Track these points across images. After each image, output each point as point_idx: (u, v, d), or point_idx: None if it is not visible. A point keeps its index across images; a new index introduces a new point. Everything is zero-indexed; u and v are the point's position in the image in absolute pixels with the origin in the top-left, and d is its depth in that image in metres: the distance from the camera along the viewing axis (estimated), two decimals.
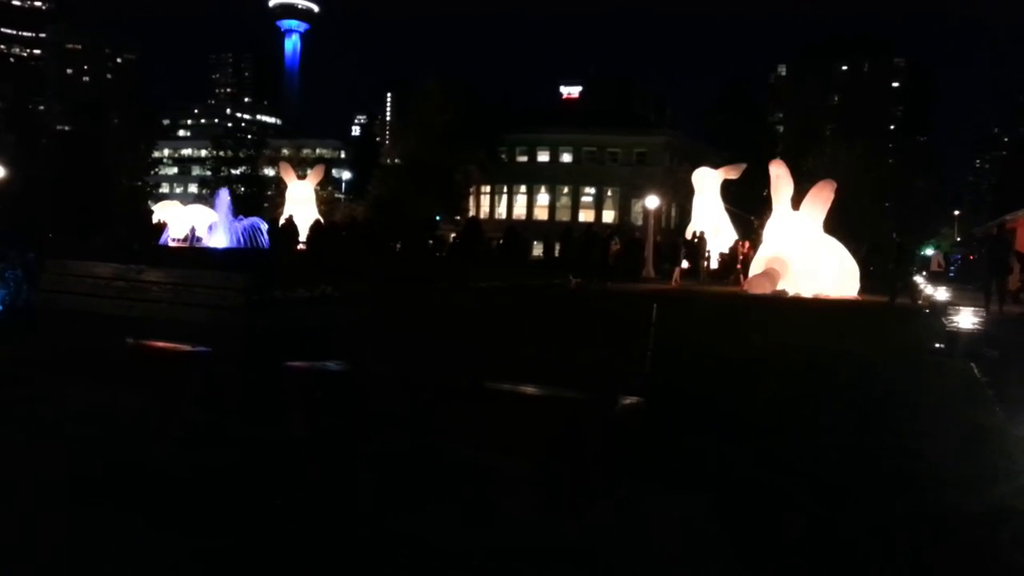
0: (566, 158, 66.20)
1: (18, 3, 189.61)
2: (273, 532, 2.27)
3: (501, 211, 65.36)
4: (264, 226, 35.20)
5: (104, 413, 5.26)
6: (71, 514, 3.56)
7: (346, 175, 78.58)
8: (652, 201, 34.55)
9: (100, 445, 4.64)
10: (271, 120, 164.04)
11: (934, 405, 6.95)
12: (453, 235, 45.20)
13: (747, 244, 27.13)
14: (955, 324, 9.82)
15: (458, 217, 56.49)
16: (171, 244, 34.38)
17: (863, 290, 21.59)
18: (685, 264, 26.57)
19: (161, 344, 5.64)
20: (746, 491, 4.31)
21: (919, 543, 3.78)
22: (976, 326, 9.72)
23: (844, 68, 78.05)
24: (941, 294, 15.29)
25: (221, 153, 76.52)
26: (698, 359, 8.39)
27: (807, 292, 21.26)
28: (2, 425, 4.99)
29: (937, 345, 10.19)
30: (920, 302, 19.67)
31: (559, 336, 4.60)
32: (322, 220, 40.49)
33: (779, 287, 21.66)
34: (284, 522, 2.28)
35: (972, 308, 10.69)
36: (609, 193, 64.92)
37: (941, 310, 11.96)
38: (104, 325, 5.92)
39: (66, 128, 65.69)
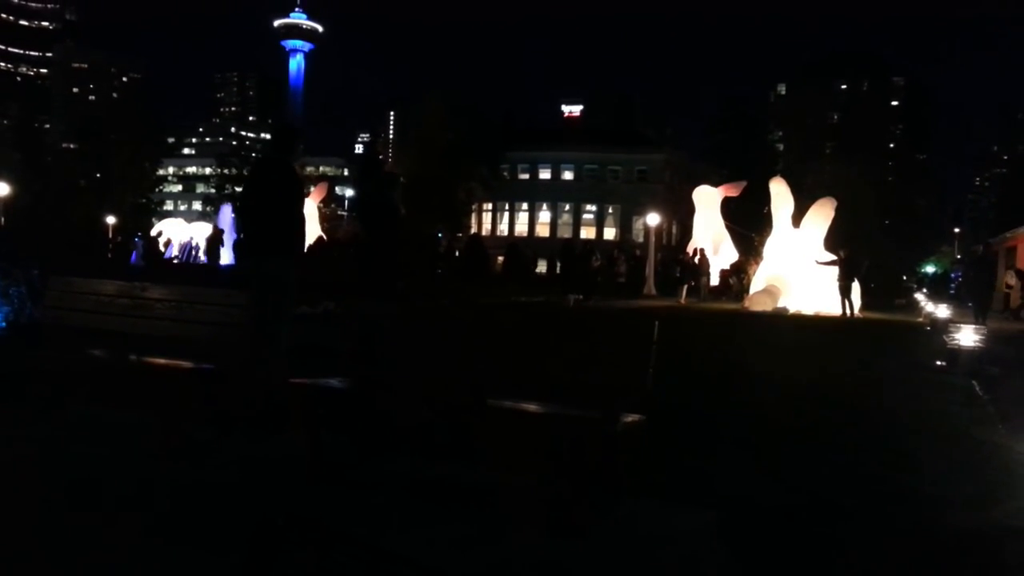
0: (567, 175, 66.49)
1: (25, 23, 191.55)
2: (276, 551, 2.29)
3: (503, 228, 65.55)
4: None
5: (107, 430, 5.27)
6: (73, 530, 3.57)
7: (349, 192, 78.92)
8: (653, 218, 34.65)
9: (102, 462, 4.64)
10: None
11: (936, 422, 6.94)
12: (456, 252, 45.23)
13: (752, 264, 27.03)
14: (956, 341, 9.83)
15: (460, 234, 56.63)
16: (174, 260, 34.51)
17: (864, 307, 21.58)
18: (693, 281, 26.50)
19: (164, 361, 5.66)
20: (748, 509, 4.30)
21: (921, 562, 3.78)
22: (977, 343, 9.72)
23: (843, 87, 78.43)
24: (941, 311, 15.29)
25: (225, 171, 76.92)
26: (699, 377, 8.39)
27: (808, 309, 21.26)
28: (4, 442, 5.00)
29: (938, 362, 10.19)
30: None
31: (561, 353, 4.61)
32: (325, 237, 40.55)
33: (780, 304, 21.66)
34: (287, 541, 2.29)
35: (973, 325, 10.69)
36: (610, 210, 65.13)
37: (942, 327, 11.96)
38: (108, 342, 5.94)
39: (71, 146, 66.11)
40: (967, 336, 9.79)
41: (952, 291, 26.29)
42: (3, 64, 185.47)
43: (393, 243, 5.59)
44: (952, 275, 36.22)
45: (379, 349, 4.74)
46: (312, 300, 12.75)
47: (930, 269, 63.37)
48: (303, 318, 11.92)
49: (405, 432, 4.68)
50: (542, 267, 48.78)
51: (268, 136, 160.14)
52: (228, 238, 35.15)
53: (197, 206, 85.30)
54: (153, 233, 37.87)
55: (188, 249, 36.48)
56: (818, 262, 20.86)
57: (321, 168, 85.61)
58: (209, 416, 5.23)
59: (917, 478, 5.10)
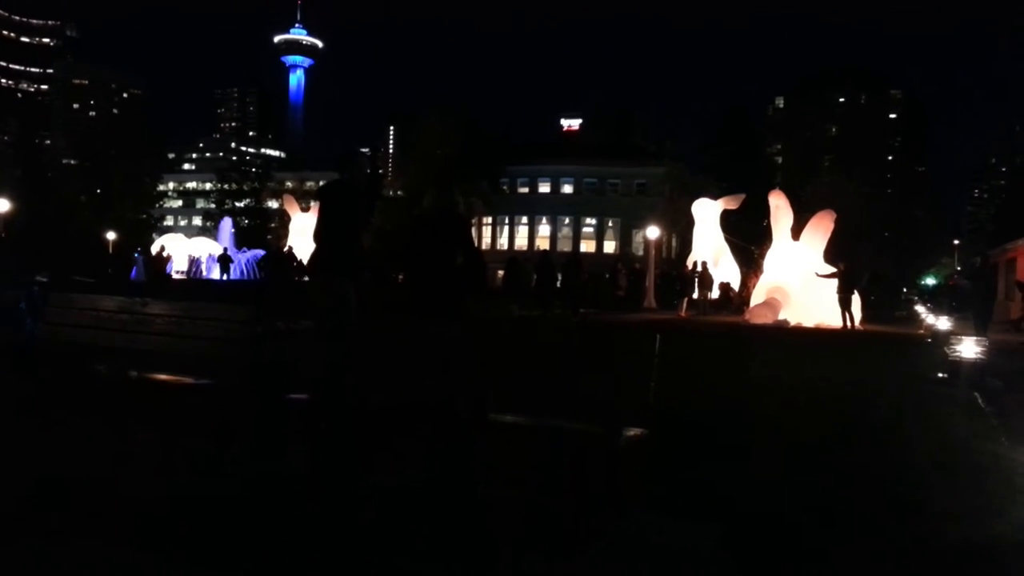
0: (567, 189, 66.70)
1: (26, 40, 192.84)
2: (281, 568, 2.27)
3: (503, 242, 65.62)
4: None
5: (106, 446, 5.25)
6: (76, 548, 3.55)
7: None
8: (653, 231, 34.72)
9: (102, 478, 4.62)
10: (275, 153, 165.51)
11: (938, 434, 6.92)
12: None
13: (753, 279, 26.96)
14: (957, 353, 9.81)
15: None
16: (175, 276, 34.53)
17: (864, 319, 21.56)
18: (696, 295, 26.44)
19: (164, 377, 5.66)
20: (752, 523, 4.28)
21: (924, 574, 3.75)
22: (978, 355, 9.70)
23: (841, 100, 78.84)
24: (942, 323, 15.27)
25: (226, 186, 77.09)
26: (700, 389, 8.37)
27: (808, 322, 21.25)
28: (6, 458, 4.98)
29: (940, 374, 10.16)
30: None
31: (561, 366, 4.61)
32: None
33: (780, 317, 21.65)
34: (291, 559, 2.28)
35: (974, 337, 10.68)
36: (610, 224, 65.27)
37: (943, 339, 11.94)
38: (108, 358, 5.94)
39: (72, 162, 66.32)
40: (968, 348, 9.77)
41: (955, 304, 26.10)
42: (4, 80, 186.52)
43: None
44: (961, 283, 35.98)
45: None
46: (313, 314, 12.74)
47: (930, 281, 63.41)
48: (303, 332, 11.92)
49: (406, 446, 4.66)
50: None
51: (269, 151, 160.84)
52: (228, 254, 35.27)
53: (197, 221, 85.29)
54: (155, 249, 37.76)
55: (196, 264, 36.50)
56: (818, 274, 20.87)
57: (321, 182, 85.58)
58: (209, 431, 5.22)
59: (920, 490, 5.08)
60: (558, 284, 25.10)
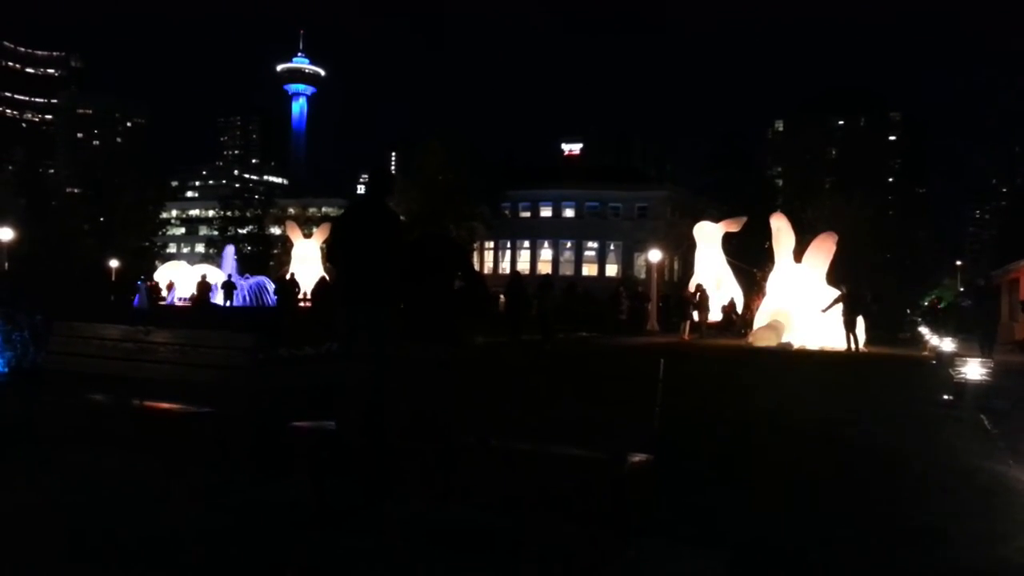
0: (568, 213, 67.05)
1: (31, 71, 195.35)
2: None
3: (505, 266, 65.80)
4: (271, 285, 35.43)
5: (109, 475, 5.22)
6: None
7: None
8: (654, 255, 34.78)
9: (105, 508, 4.60)
10: (278, 180, 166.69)
11: (945, 457, 6.87)
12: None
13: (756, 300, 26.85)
14: (962, 375, 9.76)
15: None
16: (178, 303, 34.58)
17: (868, 341, 21.50)
18: (697, 318, 26.35)
19: (166, 405, 5.64)
20: (759, 549, 4.24)
21: None
22: (984, 377, 9.65)
23: (840, 122, 79.41)
24: (946, 345, 15.21)
25: (228, 213, 77.53)
26: (705, 415, 8.33)
27: (812, 345, 21.19)
28: (6, 489, 4.96)
29: (945, 396, 10.11)
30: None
31: (564, 393, 4.59)
32: (328, 277, 40.67)
33: (784, 340, 21.60)
34: None
35: (979, 359, 10.63)
36: (612, 247, 65.50)
37: (947, 361, 11.89)
38: (111, 386, 5.93)
39: (75, 190, 66.76)
40: (974, 370, 9.72)
41: (960, 325, 25.89)
42: (9, 111, 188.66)
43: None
44: (963, 304, 35.47)
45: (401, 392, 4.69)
46: (316, 340, 12.75)
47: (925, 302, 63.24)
48: (307, 359, 11.91)
49: (409, 474, 4.63)
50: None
51: (271, 178, 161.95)
52: (232, 280, 35.34)
53: (200, 248, 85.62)
54: (196, 278, 37.23)
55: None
56: (823, 310, 20.74)
57: (324, 209, 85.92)
58: (212, 460, 5.19)
59: (926, 515, 5.03)
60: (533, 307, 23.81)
